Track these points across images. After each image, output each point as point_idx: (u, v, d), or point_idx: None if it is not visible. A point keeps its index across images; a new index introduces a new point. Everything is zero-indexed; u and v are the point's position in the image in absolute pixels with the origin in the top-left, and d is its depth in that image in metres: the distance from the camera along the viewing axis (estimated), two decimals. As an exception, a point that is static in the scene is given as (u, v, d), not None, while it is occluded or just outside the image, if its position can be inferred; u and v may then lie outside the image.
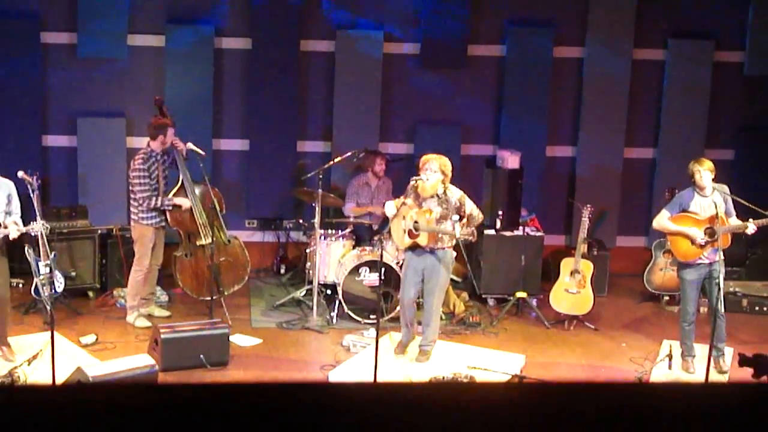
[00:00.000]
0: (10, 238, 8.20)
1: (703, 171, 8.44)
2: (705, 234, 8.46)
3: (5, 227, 8.15)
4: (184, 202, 9.50)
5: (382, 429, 2.28)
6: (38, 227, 8.28)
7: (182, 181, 9.59)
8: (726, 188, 8.61)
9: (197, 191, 9.67)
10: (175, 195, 9.53)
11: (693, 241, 8.50)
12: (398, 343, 8.97)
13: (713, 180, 8.53)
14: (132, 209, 9.49)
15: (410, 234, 8.54)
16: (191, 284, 9.86)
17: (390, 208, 8.61)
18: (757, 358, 8.33)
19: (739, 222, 8.52)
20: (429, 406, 2.32)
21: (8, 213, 8.22)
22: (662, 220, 8.67)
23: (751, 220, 8.43)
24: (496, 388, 2.61)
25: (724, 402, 2.44)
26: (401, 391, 2.43)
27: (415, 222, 8.48)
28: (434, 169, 8.41)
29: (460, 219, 8.40)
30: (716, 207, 8.41)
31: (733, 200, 8.60)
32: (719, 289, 8.32)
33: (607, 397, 2.40)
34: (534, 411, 2.32)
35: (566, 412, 2.33)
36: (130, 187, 9.47)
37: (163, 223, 9.53)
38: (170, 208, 9.43)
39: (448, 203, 8.44)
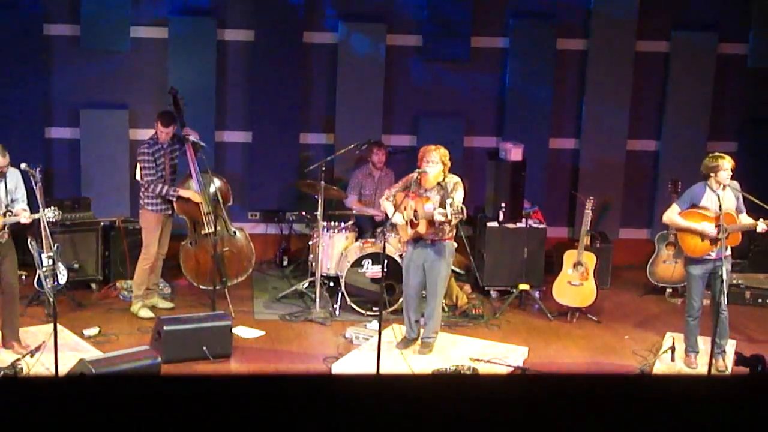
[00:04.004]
0: (22, 224, 8.22)
1: (728, 170, 8.35)
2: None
3: (16, 214, 8.18)
4: (193, 196, 9.51)
5: (385, 421, 2.28)
6: (50, 214, 8.32)
7: (190, 171, 9.61)
8: (737, 185, 8.54)
9: (205, 182, 9.69)
10: (181, 185, 9.56)
11: (704, 236, 8.44)
12: (402, 338, 8.97)
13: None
14: (140, 195, 9.54)
15: (411, 224, 8.55)
16: (193, 272, 9.89)
17: (388, 207, 8.65)
18: (753, 359, 8.36)
19: (749, 221, 8.46)
20: (432, 398, 2.32)
21: (14, 200, 8.27)
22: (673, 215, 8.60)
23: (761, 220, 8.38)
24: (499, 379, 2.61)
25: (725, 393, 2.43)
26: (404, 383, 2.43)
27: (415, 211, 8.49)
28: (435, 161, 8.43)
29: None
30: (720, 200, 8.36)
31: (744, 197, 8.55)
32: (722, 281, 8.30)
33: (610, 388, 2.40)
34: (536, 402, 2.32)
35: (569, 404, 2.33)
36: (137, 173, 9.52)
37: (170, 211, 9.55)
38: (175, 199, 9.45)
39: (445, 190, 8.46)
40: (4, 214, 8.17)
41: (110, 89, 10.90)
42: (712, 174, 8.39)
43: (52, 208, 8.42)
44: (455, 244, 8.81)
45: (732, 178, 8.45)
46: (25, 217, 8.21)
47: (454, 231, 8.77)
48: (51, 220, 8.46)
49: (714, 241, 8.41)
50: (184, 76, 10.76)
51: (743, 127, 11.52)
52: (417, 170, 8.52)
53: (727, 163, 8.35)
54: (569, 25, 11.26)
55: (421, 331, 8.89)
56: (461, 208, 8.21)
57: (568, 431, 2.30)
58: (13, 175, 8.33)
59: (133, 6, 10.69)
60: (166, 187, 9.39)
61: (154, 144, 9.40)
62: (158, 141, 9.40)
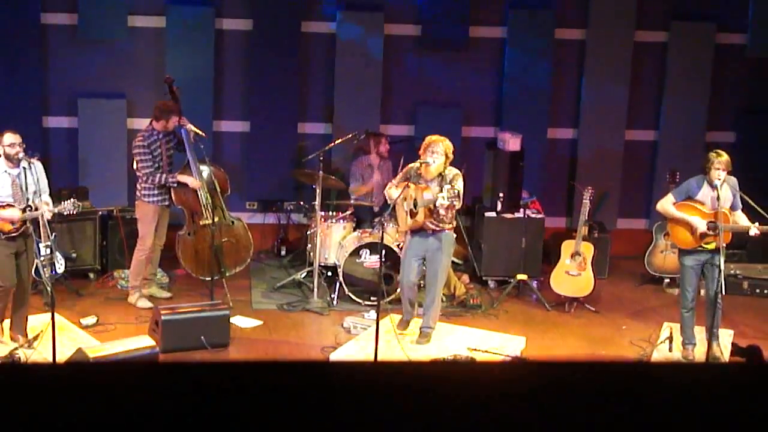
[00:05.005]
0: (45, 218, 8.13)
1: (720, 169, 8.28)
2: (708, 228, 8.37)
3: (36, 208, 8.10)
4: (190, 180, 9.50)
5: (382, 407, 2.28)
6: (69, 206, 8.29)
7: (188, 161, 9.59)
8: (735, 181, 8.47)
9: (203, 172, 9.68)
10: (180, 174, 9.55)
11: (694, 231, 8.43)
12: (400, 320, 8.98)
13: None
14: (137, 186, 9.52)
15: (411, 214, 8.54)
16: (192, 263, 9.88)
17: (394, 193, 8.58)
18: (749, 349, 8.37)
19: (744, 222, 8.40)
20: (429, 385, 2.32)
21: (36, 192, 8.18)
22: (667, 205, 8.57)
23: (756, 224, 8.35)
24: (497, 366, 2.61)
25: (721, 381, 2.43)
26: (401, 370, 2.43)
27: (414, 200, 8.48)
28: (440, 152, 8.38)
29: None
30: (719, 196, 8.32)
31: (741, 198, 8.50)
32: (720, 271, 8.28)
33: (608, 375, 2.40)
34: (534, 389, 2.32)
35: (567, 391, 2.33)
36: (134, 165, 9.50)
37: (167, 202, 9.54)
38: (175, 185, 9.44)
39: (445, 182, 8.42)
40: (24, 210, 8.08)
41: (108, 78, 10.88)
42: (707, 169, 8.36)
43: (72, 200, 8.34)
44: (455, 235, 8.81)
45: (729, 173, 8.40)
46: (47, 211, 8.13)
47: (454, 221, 8.76)
48: (72, 212, 8.42)
49: (702, 236, 8.37)
50: (182, 65, 10.74)
51: (742, 117, 11.51)
52: (420, 161, 8.48)
53: (719, 164, 8.27)
54: (568, 15, 11.24)
55: (419, 311, 8.89)
56: (458, 191, 8.20)
57: (565, 418, 2.30)
58: (34, 168, 8.17)
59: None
60: (165, 175, 9.39)
61: (150, 135, 9.38)
62: (154, 131, 9.39)
